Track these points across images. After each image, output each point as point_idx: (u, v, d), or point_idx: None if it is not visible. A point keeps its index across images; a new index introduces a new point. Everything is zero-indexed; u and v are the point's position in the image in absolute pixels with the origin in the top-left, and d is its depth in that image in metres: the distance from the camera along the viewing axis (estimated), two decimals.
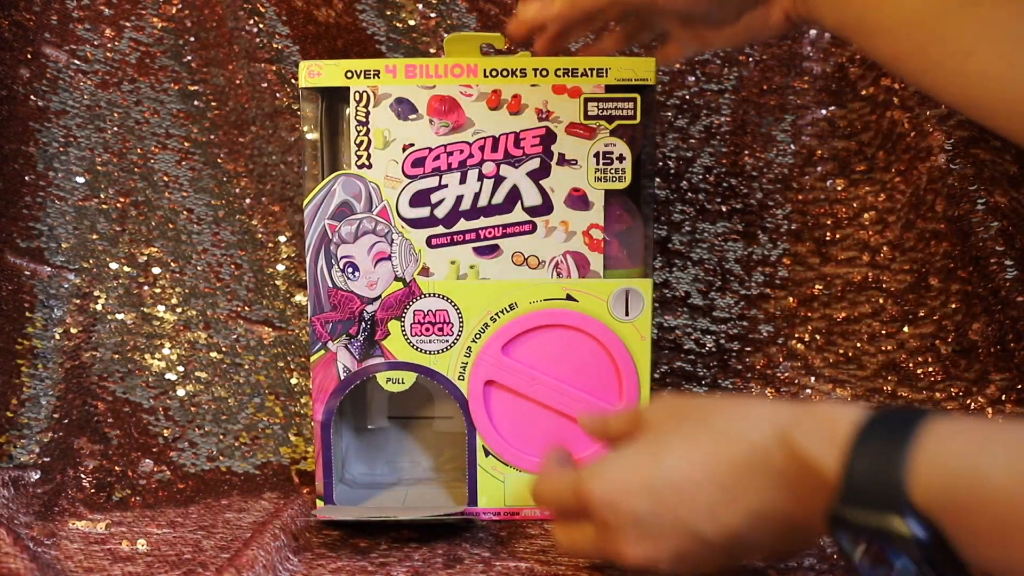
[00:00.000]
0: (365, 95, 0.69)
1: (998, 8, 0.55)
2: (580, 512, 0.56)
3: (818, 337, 0.86)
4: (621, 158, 0.69)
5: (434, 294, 0.70)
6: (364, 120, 0.69)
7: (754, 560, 0.60)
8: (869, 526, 0.42)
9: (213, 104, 0.84)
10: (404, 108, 0.69)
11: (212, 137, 0.84)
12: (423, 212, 0.70)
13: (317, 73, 0.69)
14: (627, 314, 0.71)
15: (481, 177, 0.69)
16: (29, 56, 0.80)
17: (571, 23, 0.67)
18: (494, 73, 0.69)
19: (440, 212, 0.70)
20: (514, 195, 0.70)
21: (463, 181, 0.69)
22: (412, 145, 0.69)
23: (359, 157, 0.69)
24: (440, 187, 0.69)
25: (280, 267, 0.85)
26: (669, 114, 0.85)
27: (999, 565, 0.40)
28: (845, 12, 0.62)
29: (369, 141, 0.69)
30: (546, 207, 0.70)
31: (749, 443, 0.49)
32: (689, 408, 0.55)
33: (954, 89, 0.58)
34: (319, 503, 0.74)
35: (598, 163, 0.69)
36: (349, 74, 0.69)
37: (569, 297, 0.71)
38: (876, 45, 0.61)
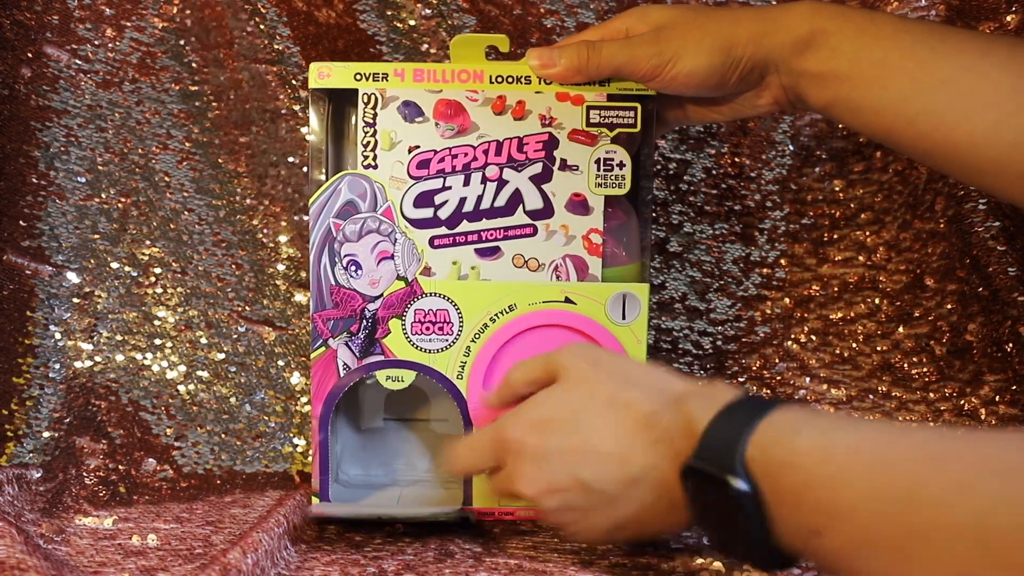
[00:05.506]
0: (373, 97, 0.72)
1: (981, 80, 0.63)
2: (498, 460, 0.65)
3: (814, 338, 0.89)
4: (621, 164, 0.72)
5: (435, 294, 0.73)
6: (371, 122, 0.72)
7: (627, 537, 0.65)
8: (710, 477, 0.52)
9: (214, 104, 0.86)
10: (411, 111, 0.72)
11: (213, 137, 0.86)
12: (427, 213, 0.73)
13: (326, 75, 0.72)
14: (624, 318, 0.74)
15: (484, 180, 0.73)
16: (30, 55, 0.83)
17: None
18: (500, 79, 0.72)
19: (443, 213, 0.73)
20: (516, 198, 0.73)
21: (466, 184, 0.73)
22: (418, 147, 0.72)
23: (365, 158, 0.72)
24: (444, 189, 0.73)
25: (280, 267, 0.87)
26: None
27: (798, 530, 0.50)
28: (834, 94, 0.68)
29: (376, 142, 0.72)
30: (547, 211, 0.73)
31: (651, 408, 0.59)
32: (605, 362, 0.64)
33: (945, 156, 0.65)
34: (315, 500, 0.76)
35: (599, 169, 0.73)
36: (358, 76, 0.72)
37: (567, 300, 0.73)
38: (866, 122, 0.68)
